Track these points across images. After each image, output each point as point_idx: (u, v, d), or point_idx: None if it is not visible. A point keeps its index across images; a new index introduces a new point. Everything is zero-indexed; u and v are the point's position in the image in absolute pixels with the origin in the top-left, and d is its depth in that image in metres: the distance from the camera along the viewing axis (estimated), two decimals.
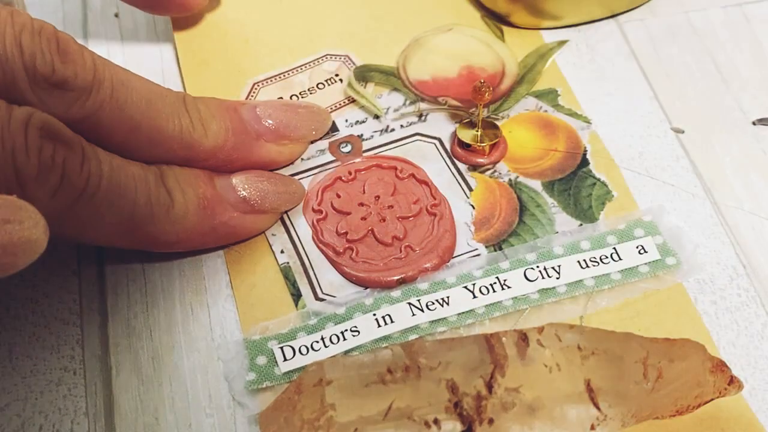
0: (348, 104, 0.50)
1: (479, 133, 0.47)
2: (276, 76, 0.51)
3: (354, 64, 0.51)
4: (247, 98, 0.50)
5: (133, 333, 0.42)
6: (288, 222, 0.46)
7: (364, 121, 0.49)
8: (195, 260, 0.44)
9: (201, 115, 0.43)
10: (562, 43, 0.52)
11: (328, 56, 0.52)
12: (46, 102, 0.37)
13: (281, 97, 0.50)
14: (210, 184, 0.43)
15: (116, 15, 0.53)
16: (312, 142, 0.48)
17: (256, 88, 0.50)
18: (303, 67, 0.51)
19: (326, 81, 0.51)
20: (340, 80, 0.51)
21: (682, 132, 0.49)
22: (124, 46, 0.53)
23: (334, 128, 0.49)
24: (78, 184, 0.37)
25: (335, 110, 0.50)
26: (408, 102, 0.50)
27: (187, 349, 0.42)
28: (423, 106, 0.49)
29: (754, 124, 0.49)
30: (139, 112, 0.40)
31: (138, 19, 0.54)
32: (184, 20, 0.53)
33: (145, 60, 0.52)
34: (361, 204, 0.46)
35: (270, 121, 0.45)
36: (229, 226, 0.43)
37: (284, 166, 0.47)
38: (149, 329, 0.42)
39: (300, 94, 0.50)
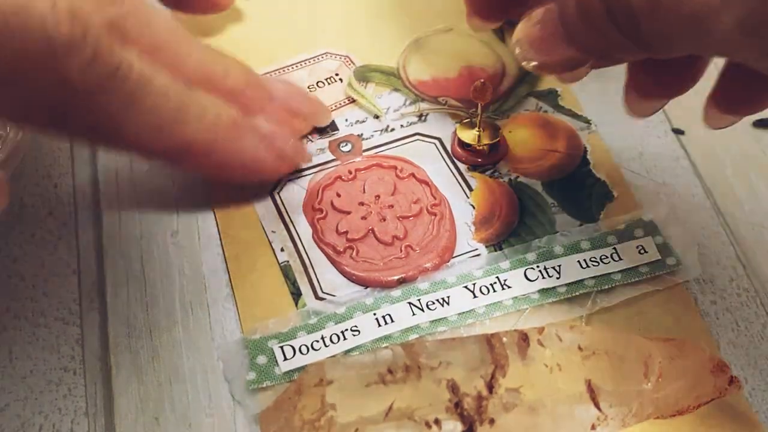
0: (348, 104, 0.50)
1: (479, 133, 0.47)
2: (276, 70, 0.51)
3: (354, 64, 0.51)
4: None
5: (133, 333, 0.42)
6: (288, 220, 0.45)
7: (364, 121, 0.49)
8: (195, 260, 0.44)
9: (223, 59, 0.44)
10: None
11: (329, 54, 0.52)
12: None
13: None
14: (238, 110, 0.43)
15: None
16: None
17: None
18: (303, 63, 0.51)
19: (326, 80, 0.51)
20: (341, 80, 0.50)
21: (682, 132, 0.48)
22: None
23: (334, 127, 0.49)
24: (110, 63, 0.36)
25: (335, 109, 0.49)
26: (408, 102, 0.49)
27: (187, 348, 0.41)
28: (423, 106, 0.49)
29: (753, 125, 0.49)
30: (165, 31, 0.41)
31: None
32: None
33: None
34: (362, 203, 0.45)
35: (284, 94, 0.46)
36: (254, 155, 0.44)
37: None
38: (149, 329, 0.42)
39: None
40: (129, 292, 0.43)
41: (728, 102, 0.40)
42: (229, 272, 0.44)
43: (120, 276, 0.44)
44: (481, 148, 0.47)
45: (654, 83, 0.41)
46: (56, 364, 0.41)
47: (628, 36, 0.35)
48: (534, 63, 0.40)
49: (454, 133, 0.48)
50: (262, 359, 0.40)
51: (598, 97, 0.49)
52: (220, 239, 0.45)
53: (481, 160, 0.47)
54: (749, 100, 0.39)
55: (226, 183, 0.46)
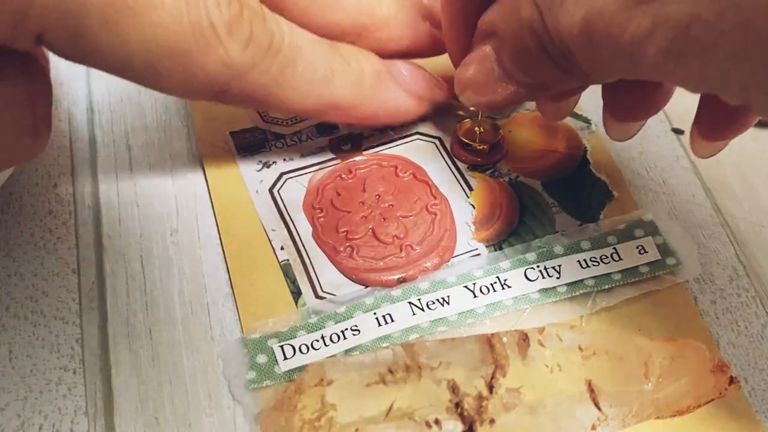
0: None
1: (479, 132, 0.47)
2: None
3: None
4: None
5: (132, 332, 0.42)
6: (288, 219, 0.45)
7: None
8: (195, 259, 0.44)
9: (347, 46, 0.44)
10: None
11: None
12: None
13: None
14: (380, 61, 0.44)
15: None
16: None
17: None
18: None
19: None
20: None
21: (682, 132, 0.48)
22: None
23: (333, 126, 0.48)
24: (265, 38, 0.38)
25: None
26: None
27: (187, 348, 0.41)
28: None
29: (754, 125, 0.48)
30: None
31: None
32: None
33: None
34: (362, 203, 0.45)
35: (405, 72, 0.46)
36: (398, 102, 0.45)
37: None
38: (149, 328, 0.42)
39: None
40: (129, 291, 0.43)
41: (712, 130, 0.41)
42: (229, 271, 0.43)
43: (120, 275, 0.44)
44: (481, 147, 0.46)
45: (625, 107, 0.42)
46: (56, 363, 0.41)
47: (565, 69, 0.37)
48: (480, 102, 0.42)
49: (455, 132, 0.48)
50: (261, 358, 0.40)
51: (597, 97, 0.49)
52: (220, 238, 0.45)
53: (481, 159, 0.47)
54: (732, 124, 0.41)
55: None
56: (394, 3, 0.45)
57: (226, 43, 0.36)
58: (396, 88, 0.45)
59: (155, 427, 0.39)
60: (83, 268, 0.44)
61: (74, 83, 0.50)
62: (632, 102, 0.42)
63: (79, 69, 0.50)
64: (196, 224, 0.45)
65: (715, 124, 0.41)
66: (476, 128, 0.47)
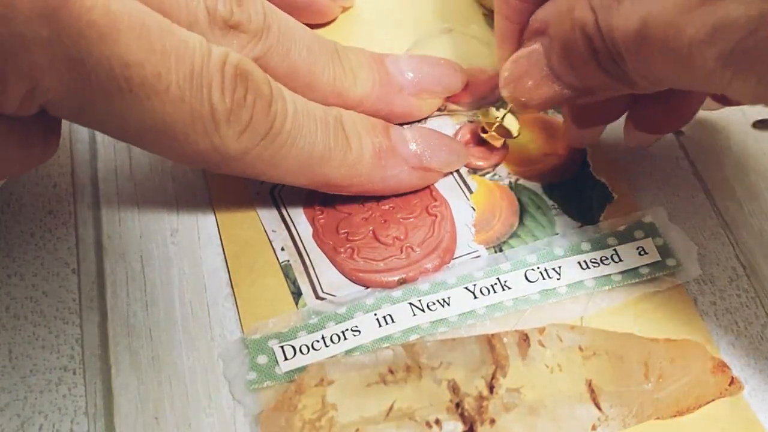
0: None
1: (500, 117, 0.46)
2: None
3: None
4: None
5: (132, 332, 0.41)
6: (288, 219, 0.44)
7: None
8: (194, 259, 0.43)
9: (351, 64, 0.44)
10: None
11: None
12: (221, 44, 0.38)
13: None
14: (386, 135, 0.43)
15: None
16: (446, 99, 0.48)
17: None
18: None
19: None
20: None
21: (682, 132, 0.48)
22: None
23: None
24: (264, 126, 0.38)
25: None
26: None
27: (187, 348, 0.41)
28: None
29: (753, 125, 0.48)
30: (300, 59, 0.42)
31: None
32: None
33: None
34: (362, 204, 0.44)
35: (411, 75, 0.46)
36: (398, 179, 0.44)
37: (419, 120, 0.47)
38: (149, 328, 0.41)
39: None
40: (129, 291, 0.43)
41: (650, 125, 0.42)
42: (229, 271, 0.43)
43: (120, 275, 0.43)
44: (494, 135, 0.46)
45: (650, 119, 0.42)
46: (56, 363, 0.40)
47: (613, 75, 0.36)
48: (522, 100, 0.41)
49: (455, 135, 0.47)
50: (262, 359, 0.40)
51: None
52: (221, 238, 0.44)
53: (481, 163, 0.46)
54: (666, 120, 0.41)
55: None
56: (369, 80, 0.45)
57: (221, 132, 0.36)
58: (398, 165, 0.43)
59: (155, 427, 0.39)
60: (83, 268, 0.43)
61: None
62: (659, 114, 0.42)
63: None
64: (196, 224, 0.45)
65: (654, 120, 0.41)
66: (498, 116, 0.46)
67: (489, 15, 0.52)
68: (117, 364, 0.40)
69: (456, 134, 0.47)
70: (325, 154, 0.40)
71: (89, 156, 0.47)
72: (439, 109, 0.48)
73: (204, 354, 0.41)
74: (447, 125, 0.48)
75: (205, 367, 0.40)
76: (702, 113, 0.46)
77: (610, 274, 0.42)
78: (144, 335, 0.41)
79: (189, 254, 0.44)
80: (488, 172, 0.46)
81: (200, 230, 0.44)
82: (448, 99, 0.48)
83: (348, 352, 0.40)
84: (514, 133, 0.46)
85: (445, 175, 0.46)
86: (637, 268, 0.42)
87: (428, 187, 0.45)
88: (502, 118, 0.46)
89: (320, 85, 0.43)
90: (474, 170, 0.46)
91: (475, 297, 0.41)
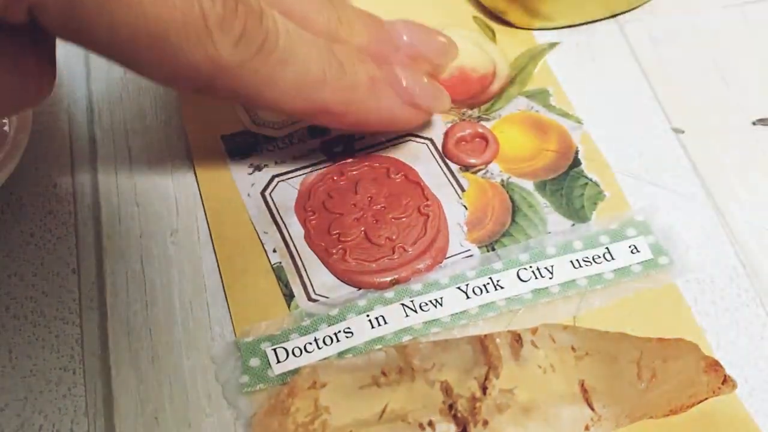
0: None
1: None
2: None
3: None
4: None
5: (132, 332, 0.41)
6: (280, 221, 0.44)
7: None
8: (194, 259, 0.43)
9: (348, 16, 0.44)
10: (553, 45, 0.51)
11: None
12: None
13: None
14: (377, 67, 0.43)
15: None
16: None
17: None
18: None
19: None
20: None
21: (683, 132, 0.47)
22: None
23: (325, 128, 0.47)
24: (258, 38, 0.37)
25: None
26: None
27: (186, 348, 0.41)
28: None
29: (754, 124, 0.48)
30: (296, 2, 0.42)
31: None
32: None
33: None
34: (354, 205, 0.44)
35: (407, 38, 0.45)
36: (392, 112, 0.43)
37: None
38: (149, 328, 0.41)
39: None
40: (128, 291, 0.43)
41: None
42: (221, 273, 0.43)
43: (119, 275, 0.43)
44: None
45: None
46: (56, 363, 0.41)
47: None
48: None
49: (447, 133, 0.47)
50: (254, 362, 0.39)
51: (597, 97, 0.48)
52: (212, 241, 0.44)
53: (474, 160, 0.46)
54: None
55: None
56: (365, 33, 0.44)
57: (216, 39, 0.35)
58: (392, 97, 0.43)
59: (155, 427, 0.39)
60: (83, 268, 0.43)
61: (74, 83, 0.50)
62: None
63: (79, 69, 0.50)
64: (196, 224, 0.45)
65: None
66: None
67: (483, 13, 0.52)
68: (117, 364, 0.40)
69: (447, 132, 0.47)
70: (320, 76, 0.40)
71: (89, 156, 0.47)
72: None
73: (204, 354, 0.41)
74: (438, 122, 0.48)
75: (205, 367, 0.40)
76: (702, 112, 0.46)
77: (602, 273, 0.42)
78: (144, 335, 0.41)
79: (189, 254, 0.44)
80: (480, 170, 0.46)
81: (200, 230, 0.44)
82: None
83: (340, 354, 0.40)
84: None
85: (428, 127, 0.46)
86: (629, 266, 0.42)
87: (420, 186, 0.45)
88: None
89: (315, 30, 0.42)
90: (466, 168, 0.46)
91: (468, 297, 0.41)
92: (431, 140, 0.47)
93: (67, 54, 0.50)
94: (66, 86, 0.50)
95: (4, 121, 0.44)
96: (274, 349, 0.40)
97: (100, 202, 0.46)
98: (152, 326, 0.42)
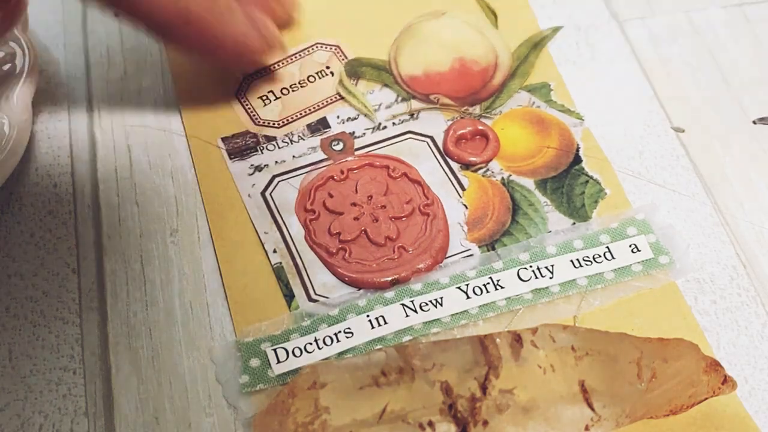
0: (339, 99, 0.48)
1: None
2: (266, 68, 0.49)
3: (345, 55, 0.49)
4: (237, 92, 0.49)
5: (132, 332, 0.41)
6: (280, 221, 0.44)
7: (356, 118, 0.47)
8: (194, 259, 0.43)
9: None
10: (556, 30, 0.50)
11: (319, 45, 0.50)
12: None
13: (271, 91, 0.49)
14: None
15: (116, 14, 0.52)
16: (438, 92, 0.48)
17: (245, 83, 0.49)
18: (293, 57, 0.50)
19: (317, 74, 0.49)
20: (331, 73, 0.49)
21: (683, 131, 0.47)
22: (123, 44, 0.51)
23: (325, 125, 0.47)
24: None
25: (327, 105, 0.48)
26: (400, 98, 0.48)
27: (186, 348, 0.40)
28: (415, 104, 0.48)
29: (754, 123, 0.47)
30: None
31: None
32: None
33: (146, 59, 0.50)
34: (354, 204, 0.44)
35: None
36: (244, 35, 0.45)
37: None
38: (149, 328, 0.41)
39: (291, 87, 0.49)
40: (128, 291, 0.42)
41: None
42: (221, 274, 0.43)
43: (119, 275, 0.43)
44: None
45: None
46: (56, 363, 0.40)
47: None
48: None
49: (447, 131, 0.46)
50: (255, 362, 0.39)
51: (597, 96, 0.48)
52: (212, 240, 0.44)
53: (474, 158, 0.45)
54: None
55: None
56: None
57: None
58: (245, 22, 0.45)
59: (155, 427, 0.38)
60: (83, 268, 0.43)
61: (74, 83, 0.49)
62: None
63: (80, 69, 0.50)
64: (196, 224, 0.44)
65: None
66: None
67: None
68: (117, 364, 0.40)
69: (448, 130, 0.46)
70: None
71: (89, 156, 0.47)
72: (431, 103, 0.48)
73: (204, 354, 0.40)
74: (438, 120, 0.47)
75: (205, 367, 0.40)
76: (702, 112, 0.46)
77: (602, 272, 0.41)
78: (144, 335, 0.41)
79: (189, 254, 0.43)
80: (481, 168, 0.45)
81: (200, 230, 0.44)
82: (439, 92, 0.48)
83: (341, 355, 0.39)
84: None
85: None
86: (630, 265, 0.41)
87: (420, 185, 0.45)
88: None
89: None
90: (467, 166, 0.45)
91: (468, 297, 0.41)
92: (432, 138, 0.46)
93: (67, 54, 0.50)
94: (66, 86, 0.49)
95: (4, 121, 0.43)
96: (275, 349, 0.39)
97: (100, 202, 0.45)
98: (152, 326, 0.41)
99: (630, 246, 0.42)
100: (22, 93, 0.45)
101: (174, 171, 0.46)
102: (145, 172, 0.46)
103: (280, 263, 0.43)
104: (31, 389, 0.39)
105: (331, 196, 0.44)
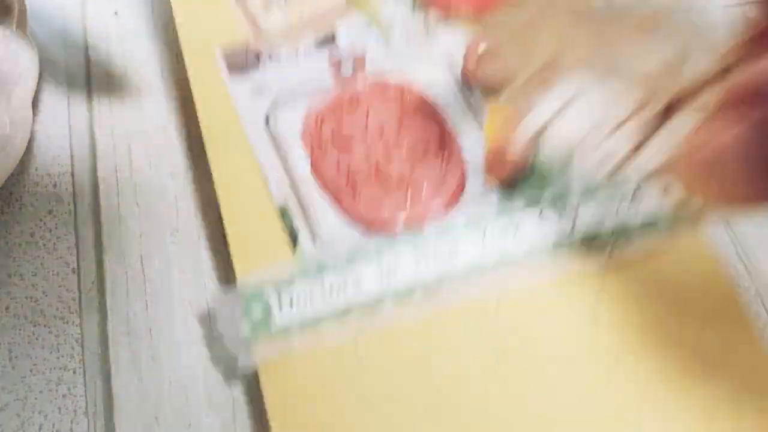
0: (350, 8, 0.44)
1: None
2: None
3: None
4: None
5: (132, 332, 0.41)
6: (285, 154, 0.41)
7: (366, 35, 0.44)
8: (195, 259, 0.43)
9: None
10: None
11: None
12: None
13: None
14: None
15: (116, 14, 0.51)
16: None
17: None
18: None
19: None
20: None
21: None
22: (123, 44, 0.51)
23: (331, 39, 0.44)
24: None
25: (336, 15, 0.44)
26: (414, 11, 0.44)
27: (187, 348, 0.40)
28: (431, 18, 0.44)
29: None
30: None
31: (137, 17, 0.52)
32: None
33: (145, 59, 0.50)
34: (364, 137, 0.40)
35: None
36: None
37: None
38: (149, 328, 0.41)
39: None
40: (128, 291, 0.42)
41: None
42: (221, 215, 0.40)
43: (119, 275, 0.42)
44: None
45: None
46: (56, 363, 0.40)
47: None
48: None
49: (466, 54, 0.42)
50: (257, 310, 0.37)
51: None
52: (211, 173, 0.42)
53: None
54: None
55: None
56: None
57: None
58: None
59: (155, 427, 0.38)
60: (83, 268, 0.43)
61: (74, 83, 0.49)
62: None
63: (80, 69, 0.49)
64: (196, 224, 0.44)
65: None
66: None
67: None
68: (117, 364, 0.40)
69: (468, 50, 0.42)
70: None
71: (89, 156, 0.46)
72: (445, 19, 0.44)
73: (204, 353, 0.40)
74: (457, 40, 0.43)
75: (205, 367, 0.40)
76: None
77: (628, 221, 0.38)
78: (144, 335, 0.41)
79: (189, 254, 0.43)
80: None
81: (200, 230, 0.44)
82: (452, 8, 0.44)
83: (348, 303, 0.37)
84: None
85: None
86: (658, 210, 0.39)
87: (436, 116, 0.41)
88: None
89: None
90: (488, 92, 0.41)
91: (485, 243, 0.38)
92: (449, 60, 0.43)
93: (67, 55, 0.50)
94: (66, 86, 0.49)
95: (4, 121, 0.43)
96: (279, 296, 0.37)
97: (100, 202, 0.45)
98: (152, 326, 0.41)
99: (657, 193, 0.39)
100: (22, 93, 0.44)
101: (174, 171, 0.46)
102: (145, 172, 0.46)
103: (285, 204, 0.40)
104: (31, 389, 0.39)
105: (339, 128, 0.41)
